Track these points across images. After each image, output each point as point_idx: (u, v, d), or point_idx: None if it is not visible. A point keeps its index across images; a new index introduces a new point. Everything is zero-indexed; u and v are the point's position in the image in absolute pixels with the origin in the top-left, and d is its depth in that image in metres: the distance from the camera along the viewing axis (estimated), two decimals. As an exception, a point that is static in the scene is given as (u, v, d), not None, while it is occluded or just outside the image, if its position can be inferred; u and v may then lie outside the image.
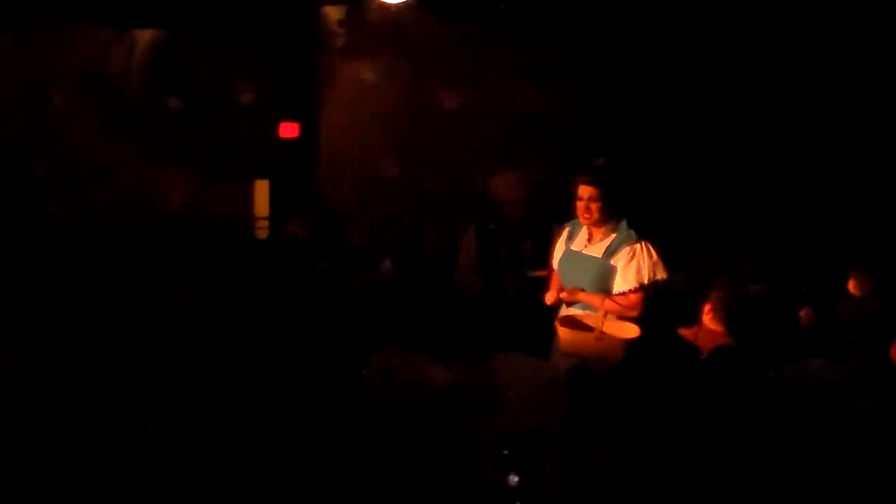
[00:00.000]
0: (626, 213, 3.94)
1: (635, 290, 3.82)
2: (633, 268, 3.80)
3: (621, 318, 3.85)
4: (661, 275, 3.79)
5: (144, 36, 6.73)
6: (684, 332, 3.78)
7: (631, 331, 3.76)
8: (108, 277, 4.34)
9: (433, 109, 7.07)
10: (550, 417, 3.10)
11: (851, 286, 4.39)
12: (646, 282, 3.79)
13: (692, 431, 3.07)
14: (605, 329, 3.73)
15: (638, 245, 3.81)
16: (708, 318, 3.86)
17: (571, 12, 6.63)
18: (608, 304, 3.81)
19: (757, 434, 3.05)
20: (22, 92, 6.44)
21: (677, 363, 3.60)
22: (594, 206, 3.91)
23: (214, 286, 3.33)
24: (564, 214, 4.38)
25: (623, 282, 3.84)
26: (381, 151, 7.06)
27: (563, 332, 3.80)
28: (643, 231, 3.95)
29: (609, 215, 3.91)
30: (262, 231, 6.87)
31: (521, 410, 3.06)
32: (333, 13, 7.02)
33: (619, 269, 3.85)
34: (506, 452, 2.43)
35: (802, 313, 4.26)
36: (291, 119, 6.87)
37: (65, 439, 2.77)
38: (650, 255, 3.80)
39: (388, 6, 6.84)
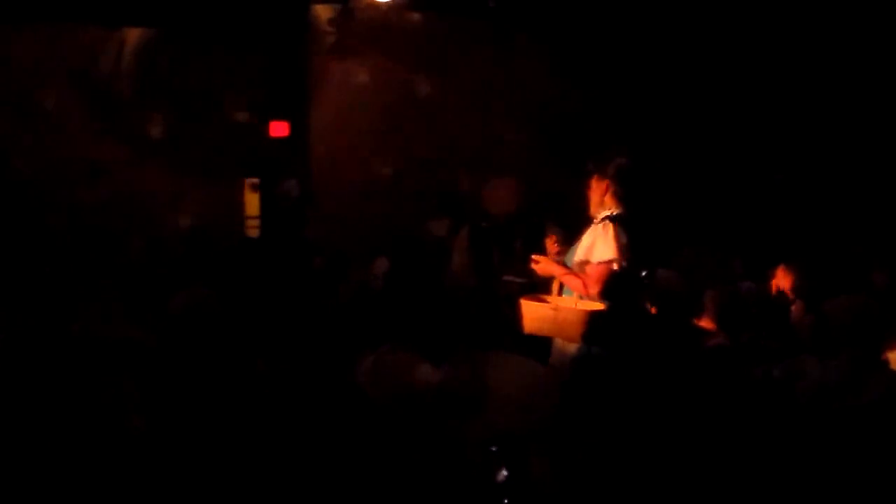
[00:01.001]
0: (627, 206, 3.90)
1: (587, 264, 3.79)
2: (589, 241, 3.79)
3: (584, 296, 3.83)
4: (610, 255, 3.72)
5: (134, 35, 6.71)
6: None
7: (589, 305, 3.75)
8: (97, 278, 4.32)
9: (424, 108, 7.08)
10: (538, 415, 3.08)
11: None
12: (595, 258, 3.76)
13: (682, 429, 3.09)
14: (559, 302, 3.71)
15: (603, 224, 3.79)
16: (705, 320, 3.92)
17: (563, 10, 6.64)
18: (566, 277, 3.80)
19: (747, 432, 3.07)
20: (9, 91, 6.39)
21: (677, 357, 3.60)
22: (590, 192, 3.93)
23: (211, 290, 3.32)
24: (556, 212, 4.40)
25: (580, 252, 3.83)
26: (371, 150, 7.07)
27: (523, 307, 3.78)
28: (633, 226, 3.94)
29: (600, 201, 3.91)
30: (252, 230, 6.86)
31: (509, 408, 3.05)
32: (324, 12, 7.02)
33: (581, 242, 3.86)
34: (494, 449, 2.41)
35: (794, 308, 4.28)
36: (282, 118, 6.88)
37: (53, 440, 2.78)
38: (607, 234, 3.76)
39: (379, 5, 6.86)
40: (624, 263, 3.73)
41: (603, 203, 3.87)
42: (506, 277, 4.34)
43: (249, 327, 3.60)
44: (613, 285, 3.74)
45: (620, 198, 3.83)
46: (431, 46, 7.09)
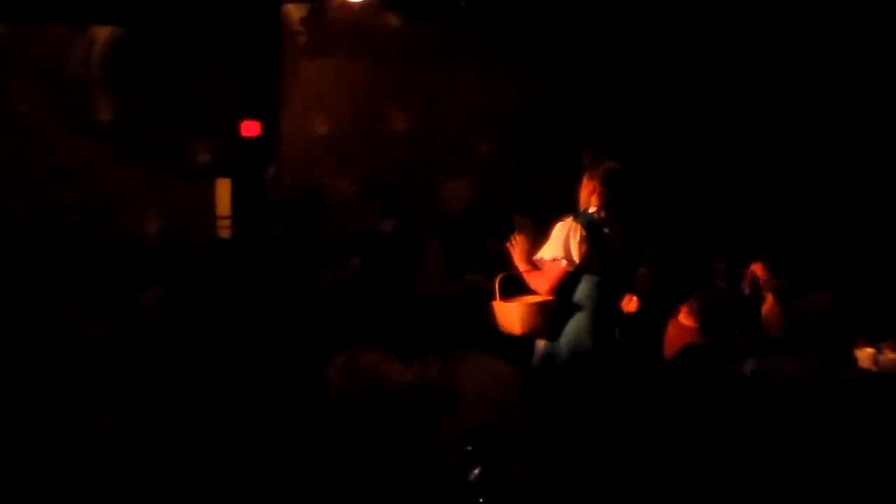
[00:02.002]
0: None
1: (542, 262, 3.78)
2: (552, 238, 3.77)
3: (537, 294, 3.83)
4: (554, 253, 3.70)
5: (102, 33, 6.64)
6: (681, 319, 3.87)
7: (528, 299, 3.75)
8: (66, 278, 4.26)
9: (398, 108, 7.06)
10: (513, 415, 3.11)
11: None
12: (545, 255, 3.74)
13: (659, 427, 3.10)
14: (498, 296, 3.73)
15: (565, 220, 3.76)
16: (682, 313, 3.96)
17: (537, 7, 6.64)
18: (526, 273, 3.79)
19: (720, 430, 3.08)
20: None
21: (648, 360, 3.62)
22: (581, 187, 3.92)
23: (179, 289, 3.30)
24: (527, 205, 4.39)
25: (544, 249, 3.82)
26: (344, 150, 7.04)
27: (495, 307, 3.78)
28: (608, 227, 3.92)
29: (588, 199, 3.90)
30: (223, 230, 6.82)
31: (484, 408, 3.06)
32: (295, 11, 6.98)
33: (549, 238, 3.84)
34: (469, 448, 2.41)
35: (764, 305, 4.32)
36: (253, 118, 6.83)
37: (25, 444, 2.75)
38: (562, 232, 3.74)
39: (351, 5, 6.83)
40: (576, 263, 3.70)
41: (589, 202, 3.85)
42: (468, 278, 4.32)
43: (221, 327, 3.57)
44: (564, 285, 3.71)
45: (606, 201, 3.80)
46: (404, 46, 7.07)
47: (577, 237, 3.72)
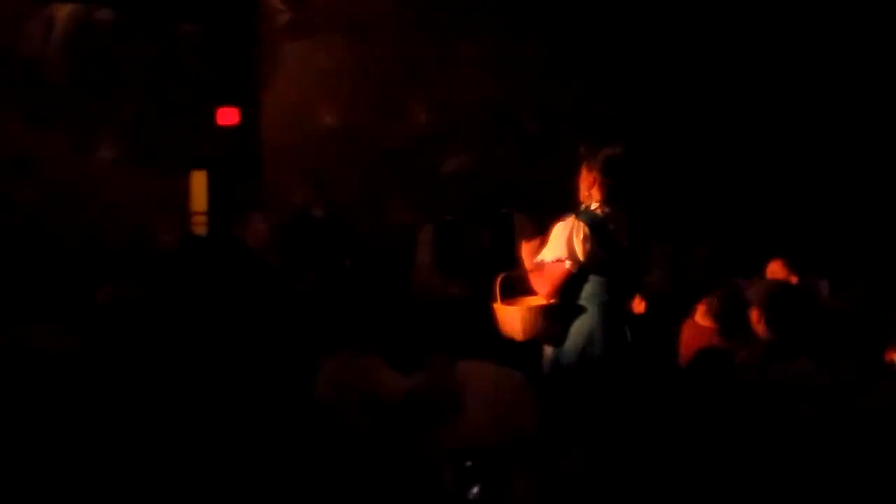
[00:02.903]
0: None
1: (542, 264, 3.79)
2: (554, 238, 3.77)
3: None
4: (557, 254, 3.71)
5: (64, 12, 6.60)
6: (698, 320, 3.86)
7: (531, 301, 3.77)
8: (26, 279, 4.25)
9: (389, 94, 7.06)
10: (518, 428, 3.12)
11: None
12: (547, 256, 3.75)
13: (674, 439, 3.11)
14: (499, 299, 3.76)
15: (568, 219, 3.76)
16: (700, 313, 3.97)
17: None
18: (530, 274, 3.81)
19: (745, 443, 3.09)
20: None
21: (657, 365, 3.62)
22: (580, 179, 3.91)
23: (138, 285, 3.28)
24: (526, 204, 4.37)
25: (545, 250, 3.82)
26: (331, 140, 7.03)
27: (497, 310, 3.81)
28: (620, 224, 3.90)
29: (587, 192, 3.88)
30: (199, 227, 6.80)
31: (486, 421, 3.06)
32: (276, -13, 7.03)
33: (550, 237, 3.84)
34: (468, 464, 2.39)
35: None
36: (231, 104, 6.84)
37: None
38: (564, 231, 3.74)
39: (337, -21, 6.84)
40: (581, 264, 3.71)
41: (590, 196, 3.84)
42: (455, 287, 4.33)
43: (193, 331, 3.57)
44: (569, 287, 3.73)
45: (608, 192, 3.79)
46: (396, 25, 7.07)
47: (581, 235, 3.72)
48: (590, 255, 3.73)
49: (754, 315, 3.68)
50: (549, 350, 3.86)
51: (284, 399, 3.11)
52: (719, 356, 3.55)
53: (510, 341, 3.77)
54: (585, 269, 3.74)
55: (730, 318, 3.88)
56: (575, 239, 3.71)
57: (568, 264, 3.72)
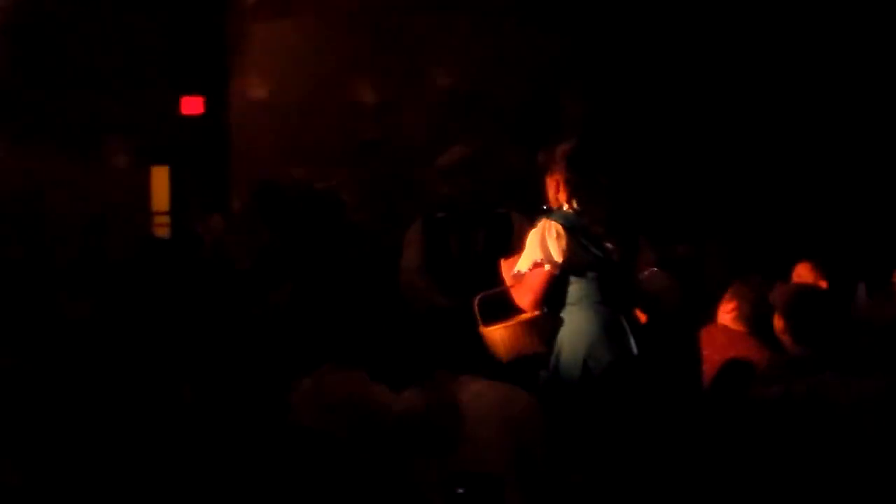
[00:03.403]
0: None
1: (520, 275, 3.80)
2: (527, 245, 3.78)
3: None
4: (534, 258, 3.72)
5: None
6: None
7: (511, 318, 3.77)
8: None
9: (371, 81, 7.06)
10: (523, 453, 3.12)
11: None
12: (523, 266, 3.76)
13: (691, 463, 3.11)
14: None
15: (538, 224, 3.78)
16: (730, 317, 3.97)
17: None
18: (508, 279, 3.82)
19: (764, 460, 3.09)
20: None
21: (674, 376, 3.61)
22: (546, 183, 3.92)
23: (90, 298, 3.28)
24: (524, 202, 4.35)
25: (520, 261, 3.84)
26: (305, 131, 7.02)
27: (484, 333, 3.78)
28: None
29: (555, 196, 3.88)
30: (161, 228, 6.77)
31: (489, 444, 3.06)
32: (243, -38, 7.05)
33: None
34: (460, 491, 2.42)
35: None
36: (195, 92, 6.84)
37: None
38: (536, 235, 3.76)
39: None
40: (560, 263, 3.71)
41: (558, 200, 3.85)
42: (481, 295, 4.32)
43: (157, 344, 3.56)
44: (552, 294, 3.73)
45: (574, 188, 3.80)
46: (375, 7, 7.05)
47: (554, 234, 3.74)
48: (567, 253, 3.74)
49: (778, 322, 3.67)
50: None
51: (258, 421, 3.10)
52: (747, 369, 3.53)
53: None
54: (566, 270, 3.75)
55: (766, 320, 3.85)
56: (549, 239, 3.74)
57: (547, 267, 3.73)
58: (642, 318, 4.04)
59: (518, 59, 6.94)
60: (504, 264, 3.91)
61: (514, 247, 4.56)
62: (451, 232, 4.67)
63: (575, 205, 3.80)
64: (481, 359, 3.47)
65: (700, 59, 6.76)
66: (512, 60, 6.95)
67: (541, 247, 3.74)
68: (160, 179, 6.97)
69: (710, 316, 4.22)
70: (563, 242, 3.73)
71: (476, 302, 3.76)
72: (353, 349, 3.44)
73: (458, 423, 3.03)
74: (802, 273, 4.71)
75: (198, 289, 4.64)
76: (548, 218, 3.78)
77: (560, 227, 3.74)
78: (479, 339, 3.59)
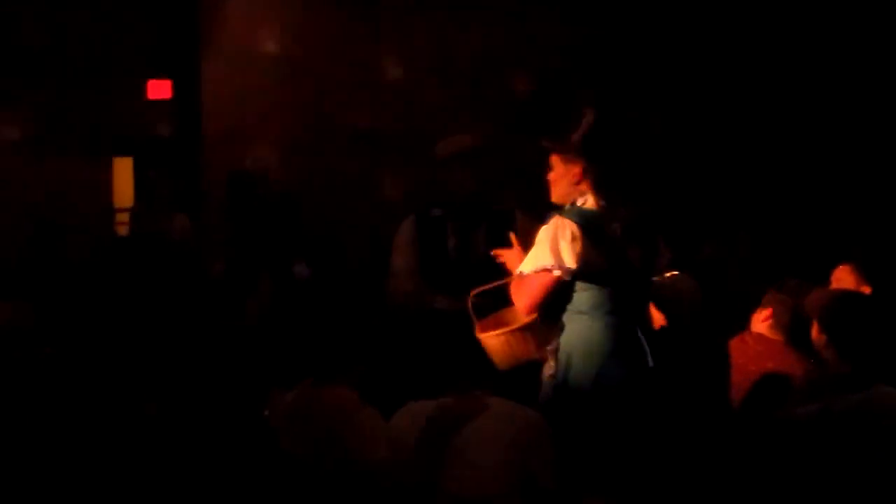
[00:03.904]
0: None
1: (521, 277, 3.76)
2: (536, 244, 3.72)
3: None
4: (543, 263, 3.66)
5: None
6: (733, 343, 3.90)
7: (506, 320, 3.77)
8: None
9: (360, 61, 7.05)
10: (528, 476, 3.13)
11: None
12: (529, 266, 3.71)
13: (718, 486, 3.12)
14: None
15: (549, 221, 3.71)
16: (765, 325, 3.98)
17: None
18: (511, 284, 3.80)
19: (802, 484, 3.11)
20: None
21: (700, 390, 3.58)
22: (551, 177, 3.85)
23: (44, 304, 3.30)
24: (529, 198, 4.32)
25: (527, 259, 3.78)
26: (287, 119, 7.02)
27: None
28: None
29: (569, 191, 3.81)
30: (123, 225, 6.71)
31: (492, 468, 3.06)
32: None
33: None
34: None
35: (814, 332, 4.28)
36: (162, 75, 6.83)
37: None
38: (548, 234, 3.69)
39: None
40: (573, 269, 3.65)
41: (572, 193, 3.77)
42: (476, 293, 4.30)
43: (113, 357, 3.56)
44: (553, 301, 3.68)
45: (597, 182, 3.73)
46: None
47: (569, 236, 3.67)
48: (582, 258, 3.66)
49: (817, 335, 3.63)
50: (548, 372, 3.78)
51: (223, 444, 3.07)
52: (784, 383, 3.50)
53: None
54: (578, 277, 3.68)
55: (804, 329, 3.83)
56: (562, 241, 3.67)
57: (557, 273, 3.66)
58: (658, 322, 4.03)
59: (526, 43, 6.94)
60: (508, 255, 3.84)
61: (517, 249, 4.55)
62: (447, 231, 4.65)
63: (593, 200, 3.73)
64: (480, 370, 3.46)
65: (736, 45, 6.82)
66: (519, 45, 6.96)
67: (552, 249, 3.66)
68: (123, 172, 6.92)
69: (741, 323, 4.19)
70: (579, 246, 3.66)
71: (470, 300, 3.74)
72: (339, 361, 3.41)
73: (453, 447, 3.02)
74: (842, 277, 4.67)
75: (164, 295, 4.62)
76: (561, 215, 3.70)
77: (576, 228, 3.66)
78: (476, 348, 3.56)
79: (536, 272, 3.67)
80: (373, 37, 7.00)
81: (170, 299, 4.55)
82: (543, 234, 3.71)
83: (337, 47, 7.01)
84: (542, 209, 4.17)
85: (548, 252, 3.66)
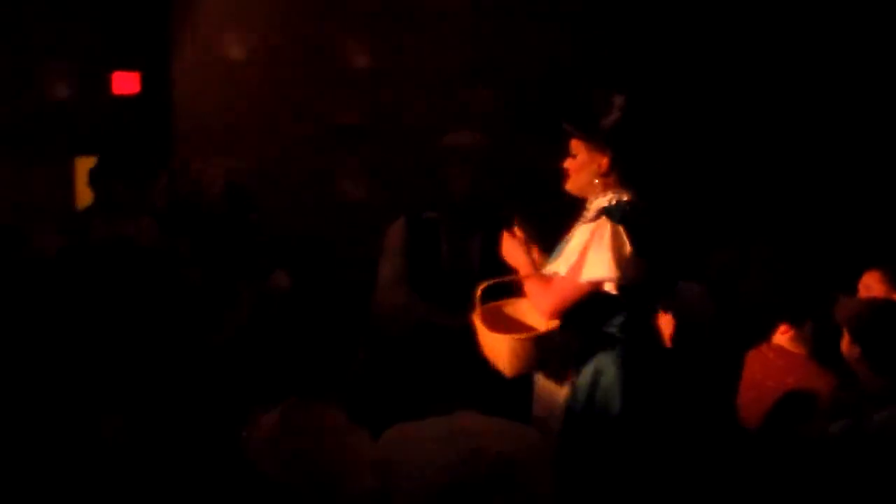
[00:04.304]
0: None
1: (563, 278, 3.79)
2: (578, 246, 3.75)
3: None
4: (603, 273, 3.69)
5: None
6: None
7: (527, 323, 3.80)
8: None
9: (344, 53, 7.05)
10: (526, 500, 3.15)
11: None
12: (584, 276, 3.73)
13: None
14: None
15: (598, 222, 3.74)
16: (786, 337, 4.03)
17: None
18: (528, 278, 3.83)
19: None
20: None
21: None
22: (569, 164, 3.88)
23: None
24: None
25: (564, 256, 3.81)
26: (265, 114, 7.01)
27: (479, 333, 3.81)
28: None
29: (592, 182, 3.84)
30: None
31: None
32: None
33: (569, 243, 3.82)
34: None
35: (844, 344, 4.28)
36: (129, 67, 6.81)
37: None
38: (602, 239, 3.72)
39: None
40: (625, 282, 3.69)
41: (597, 184, 3.81)
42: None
43: (72, 374, 3.57)
44: (584, 309, 3.71)
45: (624, 175, 3.77)
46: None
47: (626, 246, 3.69)
48: (632, 268, 3.69)
49: (849, 347, 3.63)
50: (560, 395, 3.80)
51: (196, 468, 3.08)
52: (809, 400, 3.50)
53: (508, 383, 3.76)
54: (625, 287, 3.70)
55: (829, 341, 3.84)
56: (617, 252, 3.68)
57: (609, 286, 3.69)
58: (666, 334, 4.09)
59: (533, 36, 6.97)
60: (510, 248, 3.87)
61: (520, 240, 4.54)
62: (441, 236, 4.63)
63: (628, 194, 3.76)
64: (479, 386, 3.46)
65: (759, 42, 6.86)
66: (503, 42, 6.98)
67: (614, 258, 3.67)
68: (86, 172, 6.88)
69: (760, 335, 4.22)
70: (633, 255, 3.67)
71: (479, 291, 3.75)
72: (322, 381, 3.39)
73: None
74: (871, 284, 4.67)
75: (130, 305, 4.57)
76: (609, 219, 3.71)
77: (626, 232, 3.67)
78: (470, 365, 3.55)
79: (588, 281, 3.69)
80: (351, 31, 7.02)
81: (137, 309, 4.50)
82: (598, 235, 3.70)
83: (314, 42, 7.03)
84: (545, 216, 4.17)
85: (608, 262, 3.66)
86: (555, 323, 3.73)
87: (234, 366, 3.84)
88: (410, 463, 3.09)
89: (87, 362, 3.73)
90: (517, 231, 3.92)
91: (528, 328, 3.83)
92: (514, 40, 6.92)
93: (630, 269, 3.67)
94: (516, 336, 3.71)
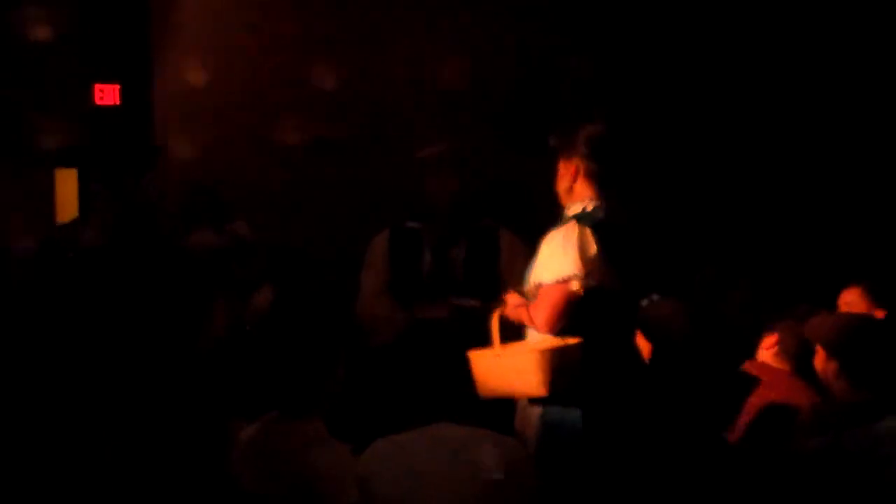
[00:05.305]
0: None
1: (540, 286, 3.83)
2: (546, 252, 3.82)
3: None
4: (566, 271, 3.75)
5: None
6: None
7: (544, 342, 3.80)
8: None
9: (326, 64, 7.04)
10: None
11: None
12: (548, 276, 3.78)
13: None
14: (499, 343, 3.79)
15: (566, 226, 3.83)
16: (770, 352, 4.07)
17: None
18: (523, 314, 3.86)
19: None
20: None
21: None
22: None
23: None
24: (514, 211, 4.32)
25: (536, 269, 3.86)
26: (248, 126, 7.02)
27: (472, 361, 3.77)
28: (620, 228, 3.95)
29: (568, 189, 3.93)
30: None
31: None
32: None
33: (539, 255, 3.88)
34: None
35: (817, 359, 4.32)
36: (110, 79, 6.82)
37: None
38: (568, 241, 3.79)
39: None
40: (593, 283, 3.75)
41: (572, 192, 3.92)
42: (454, 301, 4.31)
43: (60, 385, 3.56)
44: (577, 315, 3.74)
45: (598, 182, 3.88)
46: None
47: (593, 246, 3.77)
48: (603, 272, 3.75)
49: (825, 363, 3.65)
50: (535, 412, 3.83)
51: (175, 485, 3.06)
52: (789, 415, 3.51)
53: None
54: (595, 291, 3.74)
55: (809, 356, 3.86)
56: (581, 250, 3.75)
57: (576, 285, 3.73)
58: (645, 352, 4.05)
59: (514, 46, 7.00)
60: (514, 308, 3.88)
61: (500, 269, 4.55)
62: (423, 247, 4.64)
63: (600, 201, 3.84)
64: (463, 401, 3.43)
65: (752, 58, 6.91)
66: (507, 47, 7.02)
67: (578, 256, 3.74)
68: (66, 184, 6.87)
69: (744, 352, 4.23)
70: (600, 258, 3.74)
71: (496, 317, 3.81)
72: (303, 394, 3.38)
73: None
74: (851, 300, 4.71)
75: (112, 319, 4.58)
76: (578, 223, 3.79)
77: (594, 237, 3.75)
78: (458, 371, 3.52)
79: (556, 282, 3.74)
80: (337, 40, 7.04)
81: (119, 322, 4.51)
82: (564, 238, 3.78)
83: (299, 51, 7.03)
84: (528, 228, 4.21)
85: (571, 260, 3.74)
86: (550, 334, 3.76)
87: (213, 379, 3.84)
88: (391, 476, 3.08)
89: (64, 372, 3.74)
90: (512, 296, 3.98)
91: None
92: (493, 51, 6.96)
93: (595, 271, 3.74)
94: (544, 347, 3.71)
